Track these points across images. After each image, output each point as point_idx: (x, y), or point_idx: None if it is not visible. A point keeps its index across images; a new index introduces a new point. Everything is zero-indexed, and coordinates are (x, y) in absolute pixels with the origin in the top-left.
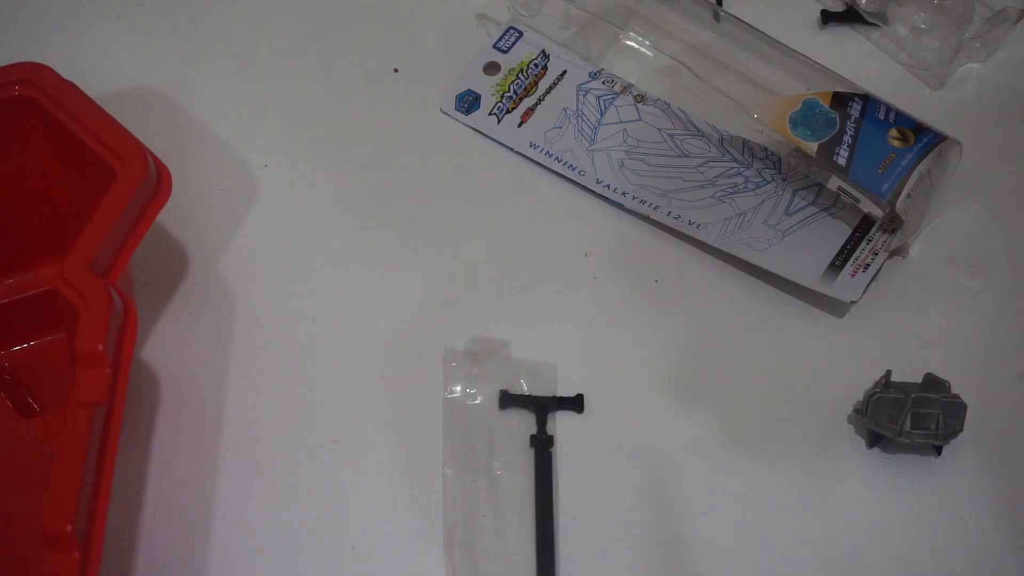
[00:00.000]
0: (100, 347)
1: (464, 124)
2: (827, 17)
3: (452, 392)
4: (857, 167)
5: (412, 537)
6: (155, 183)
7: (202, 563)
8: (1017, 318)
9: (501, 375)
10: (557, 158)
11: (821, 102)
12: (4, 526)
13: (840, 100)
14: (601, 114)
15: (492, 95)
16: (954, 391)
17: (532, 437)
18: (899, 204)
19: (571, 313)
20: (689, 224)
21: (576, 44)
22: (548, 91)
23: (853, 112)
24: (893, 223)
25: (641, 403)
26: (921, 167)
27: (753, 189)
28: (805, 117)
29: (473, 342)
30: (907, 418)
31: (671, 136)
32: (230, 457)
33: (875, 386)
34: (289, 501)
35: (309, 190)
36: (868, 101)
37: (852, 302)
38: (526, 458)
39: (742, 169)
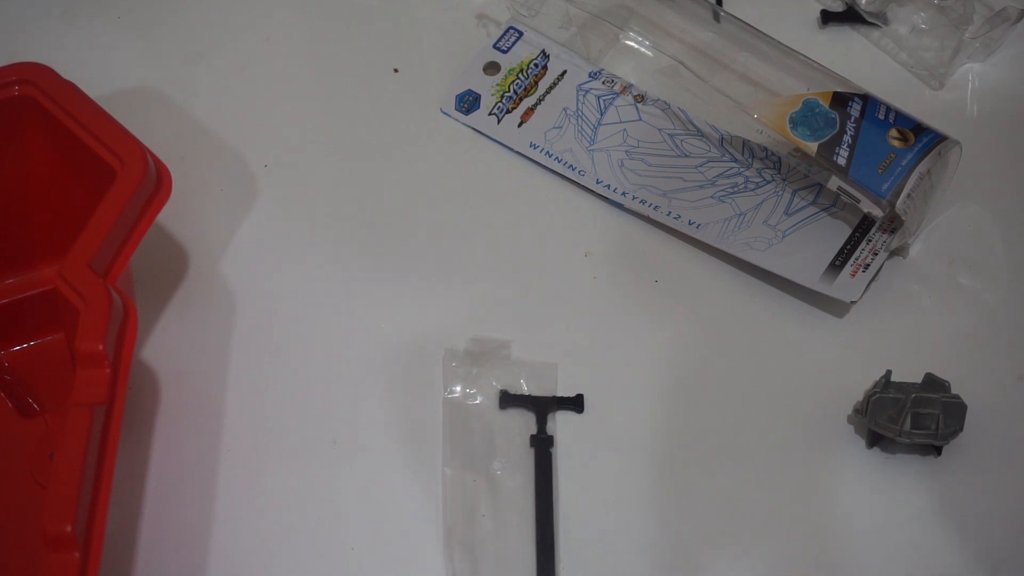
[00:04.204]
0: (100, 347)
1: (464, 124)
2: (827, 17)
3: (452, 392)
4: (857, 167)
5: (412, 537)
6: (155, 183)
7: (202, 563)
8: (1017, 318)
9: (501, 375)
10: (557, 158)
11: (821, 102)
12: (4, 526)
13: (840, 100)
14: (601, 114)
15: (492, 95)
16: (954, 391)
17: (532, 437)
18: (899, 204)
19: (571, 313)
20: (689, 224)
21: (576, 44)
22: (548, 91)
23: (853, 112)
24: (893, 223)
25: (641, 403)
26: (921, 167)
27: (753, 189)
28: (805, 117)
29: (473, 342)
30: (907, 418)
31: (671, 136)
32: (230, 457)
33: (875, 386)
34: (289, 501)
35: (309, 190)
36: (868, 101)
37: (852, 302)
38: (526, 458)
39: (742, 169)
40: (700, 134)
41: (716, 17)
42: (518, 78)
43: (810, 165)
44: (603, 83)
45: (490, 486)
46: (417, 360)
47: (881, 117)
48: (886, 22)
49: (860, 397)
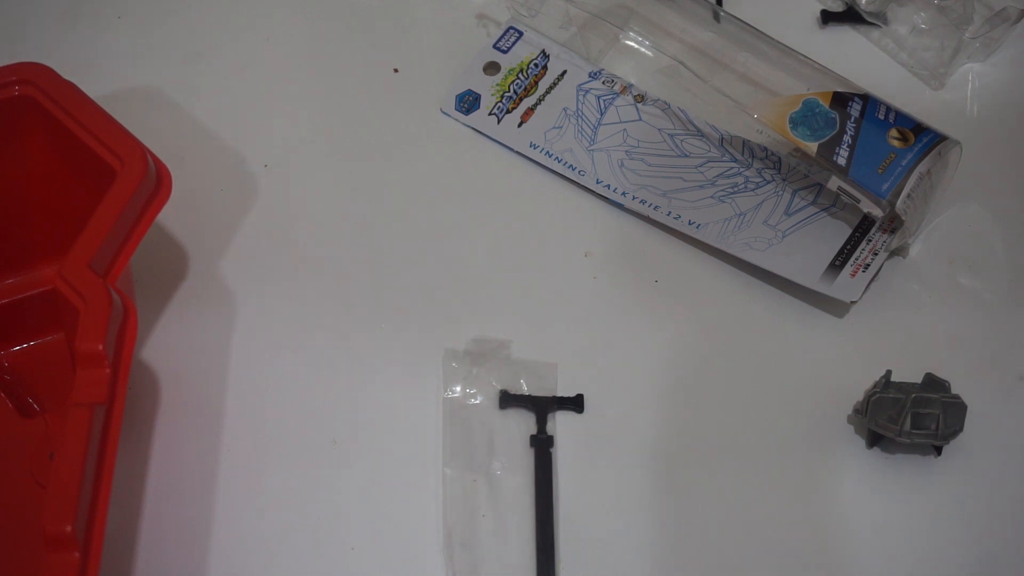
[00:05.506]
0: (100, 347)
1: (464, 124)
2: (827, 17)
3: (452, 392)
4: (857, 167)
5: (412, 537)
6: (155, 183)
7: (202, 563)
8: (1017, 318)
9: (501, 375)
10: (557, 158)
11: (821, 102)
12: (4, 526)
13: (840, 100)
14: (601, 114)
15: (492, 95)
16: (954, 391)
17: (532, 437)
18: (899, 204)
19: (571, 313)
20: (689, 224)
21: (576, 44)
22: (548, 91)
23: (853, 112)
24: (893, 223)
25: (641, 403)
26: (921, 167)
27: (753, 189)
28: (805, 117)
29: (473, 342)
30: (907, 418)
31: (671, 136)
32: (230, 457)
33: (875, 386)
34: (289, 501)
35: (309, 190)
36: (868, 101)
37: (852, 302)
38: (526, 458)
39: (742, 169)
40: (700, 134)
41: (716, 17)
42: (518, 78)
43: (810, 165)
44: (603, 83)
45: (490, 486)
46: (417, 360)
47: (881, 117)
48: (886, 22)
49: (860, 397)
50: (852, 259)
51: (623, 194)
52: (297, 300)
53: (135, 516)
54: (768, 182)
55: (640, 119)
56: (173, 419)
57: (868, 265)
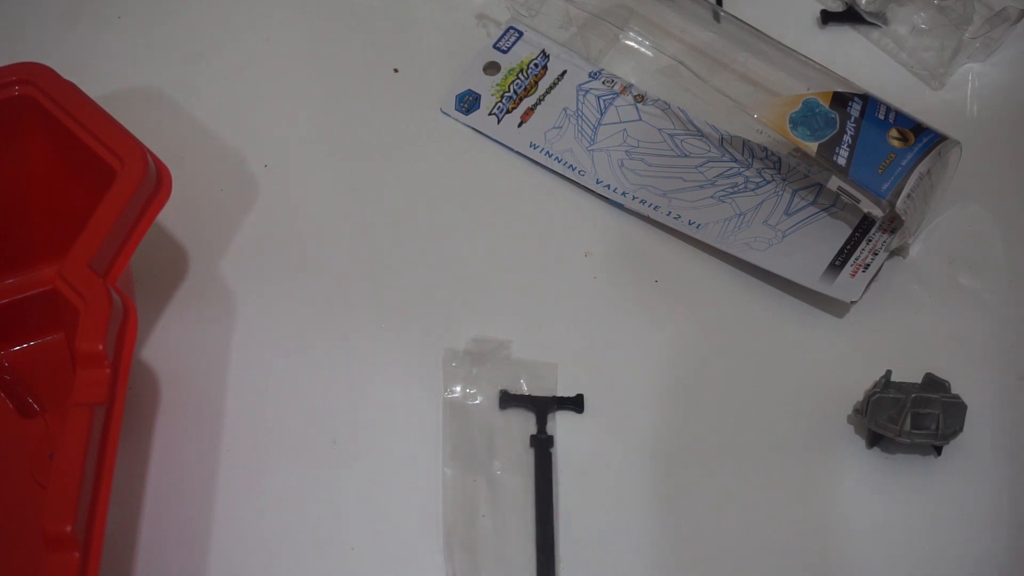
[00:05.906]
0: (100, 347)
1: (464, 124)
2: (827, 17)
3: (452, 392)
4: (857, 167)
5: (412, 537)
6: (155, 183)
7: (202, 563)
8: (1017, 318)
9: (501, 375)
10: (557, 158)
11: (821, 102)
12: (4, 526)
13: (840, 100)
14: (601, 114)
15: (492, 95)
16: (954, 391)
17: (532, 437)
18: (899, 204)
19: (571, 313)
20: (689, 224)
21: (576, 44)
22: (548, 91)
23: (853, 112)
24: (893, 223)
25: (641, 403)
26: (921, 167)
27: (753, 189)
28: (805, 117)
29: (473, 342)
30: (907, 418)
31: (671, 136)
32: (230, 457)
33: (875, 386)
34: (289, 501)
35: (309, 190)
36: (868, 101)
37: (852, 302)
38: (526, 458)
39: (742, 169)
40: (700, 134)
41: (716, 17)
42: (518, 78)
43: (810, 165)
44: (603, 83)
45: (490, 486)
46: (417, 360)
47: (881, 117)
48: (886, 22)
49: (860, 397)
50: (852, 259)
51: (623, 194)
52: (297, 300)
53: (135, 516)
54: (768, 182)
55: (640, 119)
56: (173, 419)
57: (868, 265)
